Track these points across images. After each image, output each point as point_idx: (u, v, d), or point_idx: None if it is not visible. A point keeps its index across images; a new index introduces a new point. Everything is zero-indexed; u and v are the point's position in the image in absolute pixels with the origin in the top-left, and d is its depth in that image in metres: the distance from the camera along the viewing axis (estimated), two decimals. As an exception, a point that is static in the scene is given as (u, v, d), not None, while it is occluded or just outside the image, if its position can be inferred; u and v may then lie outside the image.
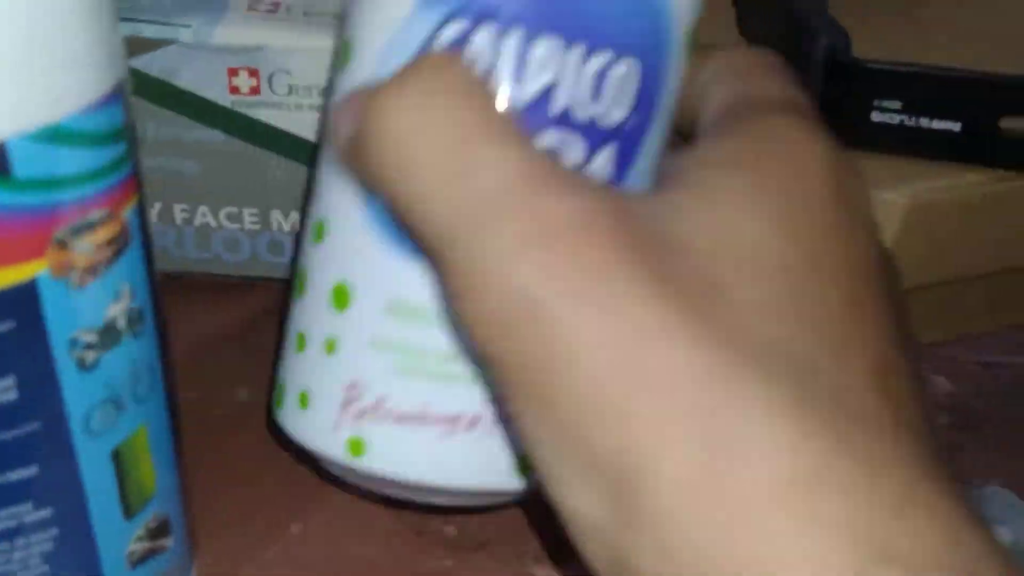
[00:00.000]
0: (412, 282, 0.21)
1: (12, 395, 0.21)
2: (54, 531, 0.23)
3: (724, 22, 0.45)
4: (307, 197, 0.25)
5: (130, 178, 0.22)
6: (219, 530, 0.30)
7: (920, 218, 0.34)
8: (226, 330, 0.39)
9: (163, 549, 0.26)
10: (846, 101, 0.35)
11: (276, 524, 0.31)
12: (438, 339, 0.22)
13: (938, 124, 0.34)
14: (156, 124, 0.37)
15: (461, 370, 0.22)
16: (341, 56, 0.23)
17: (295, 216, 0.39)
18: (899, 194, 0.33)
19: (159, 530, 0.26)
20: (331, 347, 0.23)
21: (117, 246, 0.22)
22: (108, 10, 0.21)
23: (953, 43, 0.40)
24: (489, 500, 0.24)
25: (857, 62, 0.35)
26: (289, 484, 0.32)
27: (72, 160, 0.20)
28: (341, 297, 0.22)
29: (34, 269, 0.20)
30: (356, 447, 0.23)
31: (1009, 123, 0.34)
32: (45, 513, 0.23)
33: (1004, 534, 0.29)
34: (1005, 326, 0.41)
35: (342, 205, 0.22)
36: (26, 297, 0.20)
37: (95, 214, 0.21)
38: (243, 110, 0.36)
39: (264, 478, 0.32)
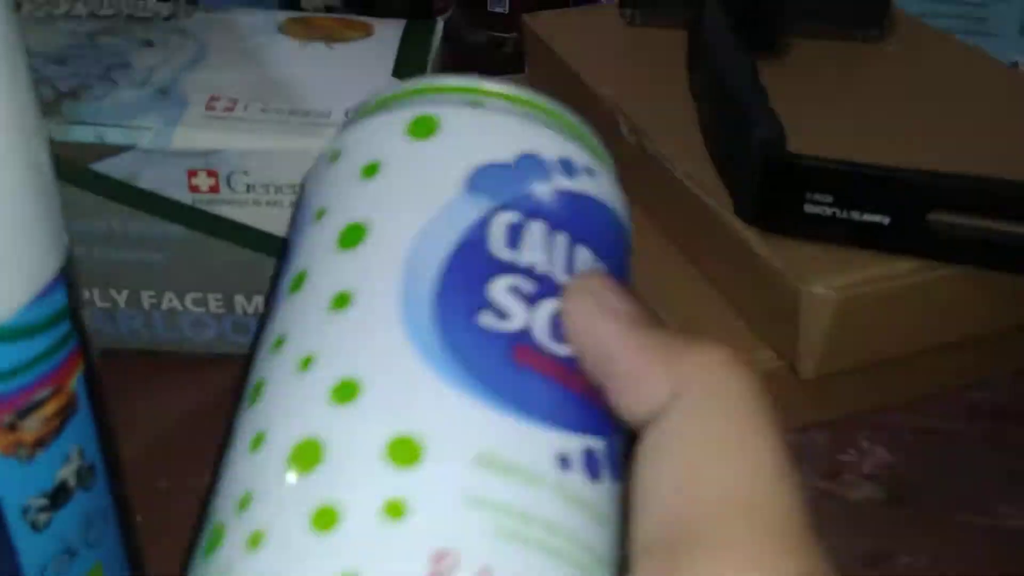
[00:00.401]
0: (507, 435, 0.19)
1: (-31, 562, 0.23)
2: (17, 670, 0.25)
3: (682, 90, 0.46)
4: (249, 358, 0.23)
5: (75, 350, 0.24)
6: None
7: (850, 310, 0.35)
8: (195, 408, 0.41)
9: (124, 667, 0.28)
10: (780, 193, 0.36)
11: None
12: (542, 504, 0.19)
13: (868, 217, 0.36)
14: (121, 220, 0.38)
15: (562, 544, 0.18)
16: (345, 238, 0.21)
17: (258, 299, 0.40)
18: (830, 289, 0.35)
19: (120, 651, 0.28)
20: (397, 511, 0.18)
21: (65, 415, 0.23)
22: (51, 196, 0.23)
23: (886, 137, 0.41)
24: None
25: (790, 157, 0.36)
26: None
27: (18, 352, 0.22)
28: (407, 449, 0.19)
29: (-16, 454, 0.22)
30: None
31: (936, 216, 0.35)
32: (7, 656, 0.24)
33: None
34: (939, 392, 0.42)
35: (393, 358, 0.19)
36: (-22, 478, 0.22)
37: (42, 393, 0.23)
38: (203, 207, 0.38)
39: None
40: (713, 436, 0.18)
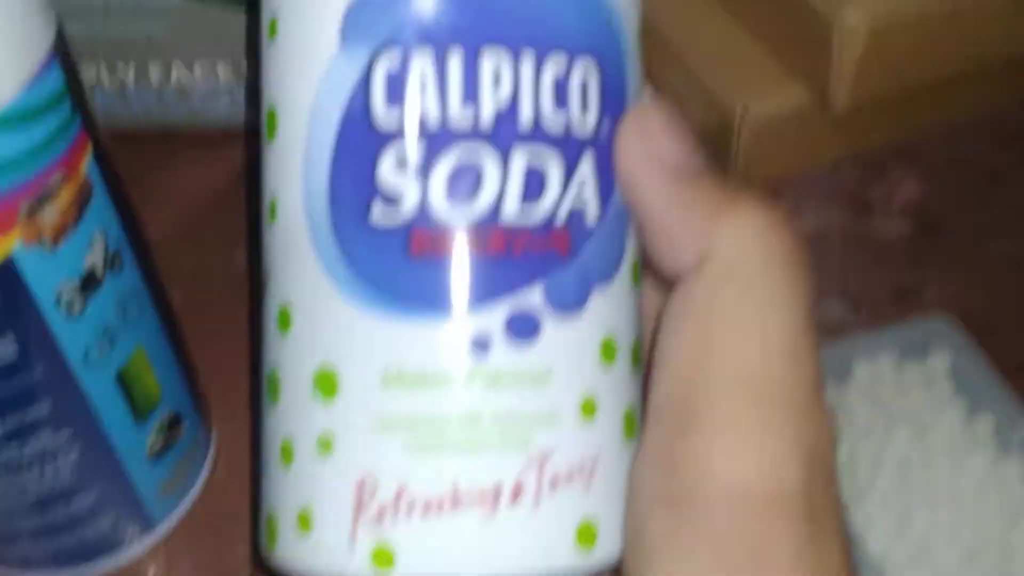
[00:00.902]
0: (409, 345, 0.18)
1: (12, 352, 0.23)
2: (76, 447, 0.26)
3: None
4: (257, 289, 0.21)
5: (80, 132, 0.23)
6: (230, 403, 0.33)
7: (883, 37, 0.34)
8: (215, 186, 0.40)
9: (178, 438, 0.29)
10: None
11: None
12: (453, 402, 0.18)
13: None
14: (113, -7, 0.36)
15: (488, 432, 0.18)
16: (268, 129, 0.20)
17: (266, 69, 0.39)
18: (862, 18, 0.33)
19: (171, 424, 0.29)
20: (326, 445, 0.19)
21: (81, 201, 0.23)
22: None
23: None
24: None
25: None
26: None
27: (20, 139, 0.21)
28: (326, 384, 0.19)
29: (8, 245, 0.22)
30: (382, 558, 0.18)
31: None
32: (64, 435, 0.25)
33: (941, 359, 0.31)
34: (976, 119, 0.41)
35: (304, 279, 0.19)
36: (5, 270, 0.22)
37: (54, 180, 0.22)
38: (197, -28, 0.36)
39: (266, 342, 0.35)
40: (726, 308, 0.18)
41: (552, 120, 0.18)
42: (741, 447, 0.18)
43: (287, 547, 0.20)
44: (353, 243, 0.18)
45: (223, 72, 0.39)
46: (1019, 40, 0.37)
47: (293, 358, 0.19)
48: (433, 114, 0.18)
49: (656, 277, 0.21)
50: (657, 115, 0.20)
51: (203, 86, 0.40)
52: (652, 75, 0.21)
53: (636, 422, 0.20)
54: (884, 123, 0.39)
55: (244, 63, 0.39)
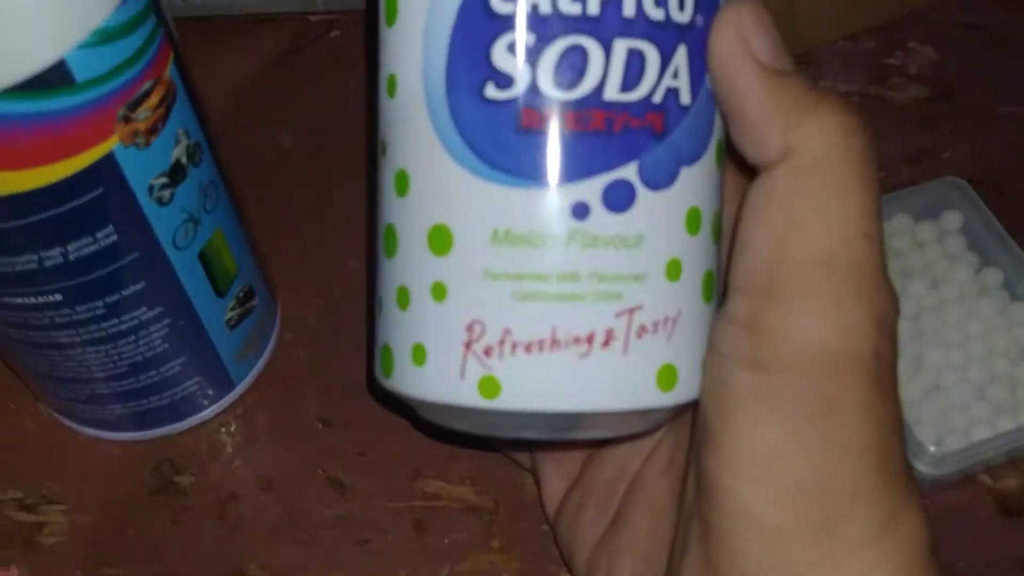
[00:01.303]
0: (516, 209, 0.20)
1: (114, 237, 0.26)
2: (167, 320, 0.29)
3: None
4: (374, 152, 0.24)
5: (164, 41, 0.25)
6: (292, 277, 0.36)
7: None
8: (258, 69, 0.42)
9: (252, 309, 0.32)
10: None
11: (337, 263, 0.36)
12: (554, 260, 0.21)
13: None
14: None
15: (584, 287, 0.21)
16: (388, 14, 0.22)
17: (301, -47, 0.40)
18: None
19: (246, 297, 0.31)
20: (440, 292, 0.21)
21: (168, 102, 0.25)
22: None
23: None
24: (631, 426, 0.23)
25: None
26: (343, 226, 0.37)
27: (117, 50, 0.23)
28: (441, 240, 0.21)
29: (108, 145, 0.24)
30: (489, 388, 0.21)
31: None
32: (157, 310, 0.28)
33: (954, 218, 0.33)
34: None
35: (423, 149, 0.21)
36: (107, 167, 0.24)
37: (145, 85, 0.24)
38: None
39: (322, 221, 0.37)
40: (809, 196, 0.20)
41: (652, 12, 0.20)
42: (821, 315, 0.20)
43: (402, 376, 0.22)
44: (467, 117, 0.20)
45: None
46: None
47: (409, 217, 0.22)
48: (544, 3, 0.20)
49: (737, 163, 0.22)
50: (751, 12, 0.21)
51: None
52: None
53: (714, 285, 0.23)
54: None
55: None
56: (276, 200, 0.38)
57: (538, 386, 0.21)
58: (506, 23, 0.20)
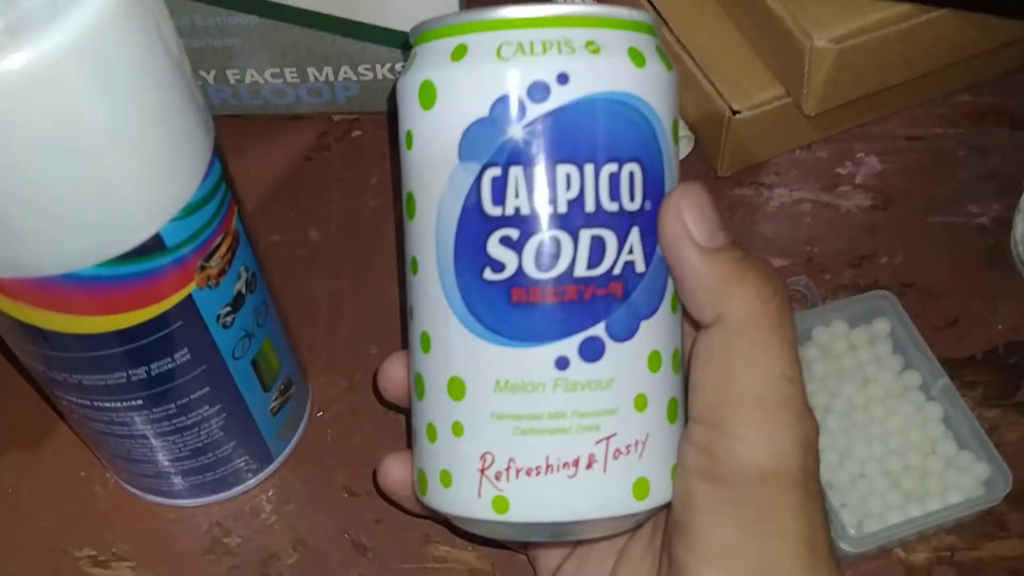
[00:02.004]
0: (512, 364, 0.26)
1: (188, 356, 0.31)
2: (224, 414, 0.35)
3: None
4: (405, 316, 0.30)
5: (231, 200, 0.31)
6: (320, 361, 0.42)
7: (848, 57, 0.41)
8: (289, 164, 0.48)
9: (290, 397, 0.38)
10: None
11: (359, 348, 0.42)
12: (544, 403, 0.26)
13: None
14: (201, 15, 0.43)
15: (569, 423, 0.26)
16: (407, 207, 0.27)
17: (327, 69, 0.46)
18: (831, 42, 0.40)
19: (286, 387, 0.37)
20: (459, 430, 0.27)
21: (233, 248, 0.31)
22: (197, 93, 0.29)
23: None
24: (617, 528, 0.29)
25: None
26: (364, 314, 0.43)
27: (199, 218, 0.29)
28: (456, 388, 0.27)
29: (188, 290, 0.30)
30: (500, 505, 0.27)
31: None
32: (217, 407, 0.34)
33: (883, 325, 0.39)
34: (927, 99, 0.48)
35: (439, 317, 0.27)
36: (186, 306, 0.30)
37: (217, 239, 0.30)
38: (272, -1, 0.43)
39: (344, 311, 0.43)
40: (740, 353, 0.27)
41: (607, 206, 0.25)
42: (758, 443, 0.26)
43: (435, 495, 0.28)
44: (471, 294, 0.26)
45: (288, 76, 0.46)
46: (963, 49, 0.44)
47: (432, 369, 0.28)
48: (524, 208, 0.25)
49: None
50: (689, 200, 0.27)
51: (272, 85, 0.47)
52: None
53: (678, 408, 0.28)
54: (852, 112, 0.46)
55: (307, 69, 0.46)
56: (305, 290, 0.44)
57: (538, 502, 0.27)
58: (497, 223, 0.25)
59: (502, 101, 0.24)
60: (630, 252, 0.26)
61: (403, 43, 0.44)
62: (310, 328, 0.42)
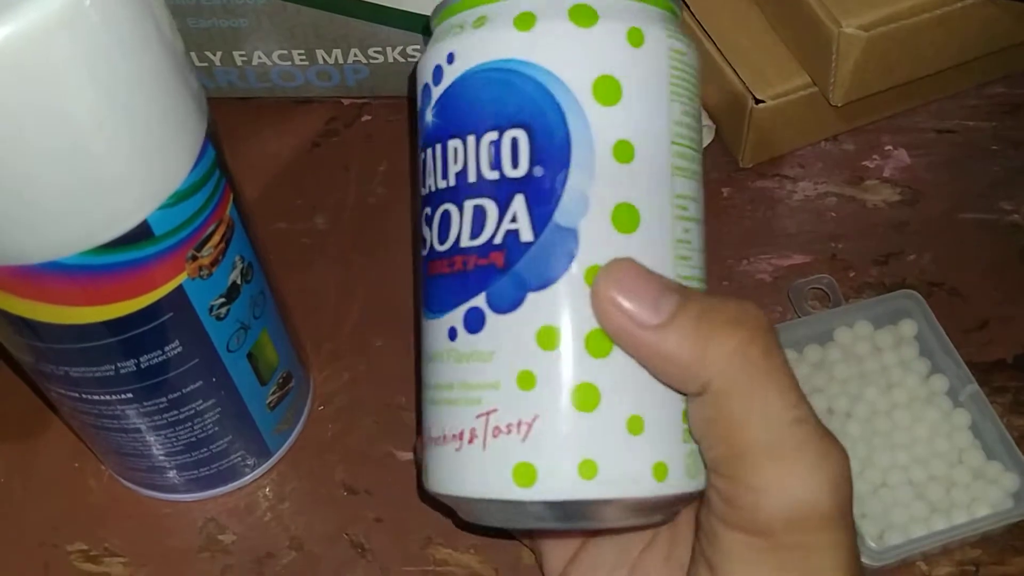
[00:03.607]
0: (428, 335, 0.27)
1: (179, 349, 0.30)
2: (218, 409, 0.33)
3: None
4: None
5: (226, 187, 0.29)
6: (323, 352, 0.40)
7: (877, 45, 0.39)
8: (295, 150, 0.46)
9: (289, 391, 0.37)
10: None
11: (364, 340, 0.41)
12: (440, 373, 0.26)
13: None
14: (206, -7, 0.42)
15: (456, 394, 0.26)
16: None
17: (336, 51, 0.45)
18: (860, 29, 0.38)
19: (285, 381, 0.36)
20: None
21: (228, 237, 0.30)
22: (190, 75, 0.27)
23: None
24: (510, 515, 0.27)
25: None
26: (369, 305, 0.42)
27: (188, 206, 0.28)
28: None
29: (178, 280, 0.28)
30: (424, 474, 0.28)
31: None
32: (211, 401, 0.33)
33: (909, 327, 0.38)
34: (958, 91, 0.46)
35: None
36: (176, 297, 0.29)
37: (209, 228, 0.29)
38: (279, -23, 0.41)
39: (349, 302, 0.42)
40: (739, 412, 0.25)
41: (488, 175, 0.25)
42: (781, 493, 0.24)
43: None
44: (422, 272, 0.27)
45: (297, 58, 0.45)
46: (998, 39, 0.42)
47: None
48: (432, 185, 0.26)
49: None
50: (616, 280, 0.24)
51: (280, 67, 0.45)
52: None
53: (599, 397, 0.25)
54: (880, 103, 0.44)
55: (316, 51, 0.44)
56: (310, 279, 0.42)
57: (437, 474, 0.27)
58: (423, 202, 0.27)
59: (424, 89, 0.26)
60: (513, 220, 0.25)
61: (424, 27, 0.43)
62: (313, 319, 0.41)
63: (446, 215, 0.25)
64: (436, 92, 0.25)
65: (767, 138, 0.43)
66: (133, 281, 0.28)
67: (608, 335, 0.25)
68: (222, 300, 0.31)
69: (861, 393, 0.37)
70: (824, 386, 0.37)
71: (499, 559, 0.36)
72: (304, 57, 0.45)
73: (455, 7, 0.26)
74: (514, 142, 0.24)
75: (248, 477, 0.37)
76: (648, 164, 0.25)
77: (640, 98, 0.25)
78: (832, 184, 0.44)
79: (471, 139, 0.24)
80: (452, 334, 0.26)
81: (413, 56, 0.45)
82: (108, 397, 0.31)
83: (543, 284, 0.25)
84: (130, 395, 0.31)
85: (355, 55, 0.45)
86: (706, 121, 0.44)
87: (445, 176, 0.25)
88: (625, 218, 0.25)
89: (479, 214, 0.25)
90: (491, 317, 0.25)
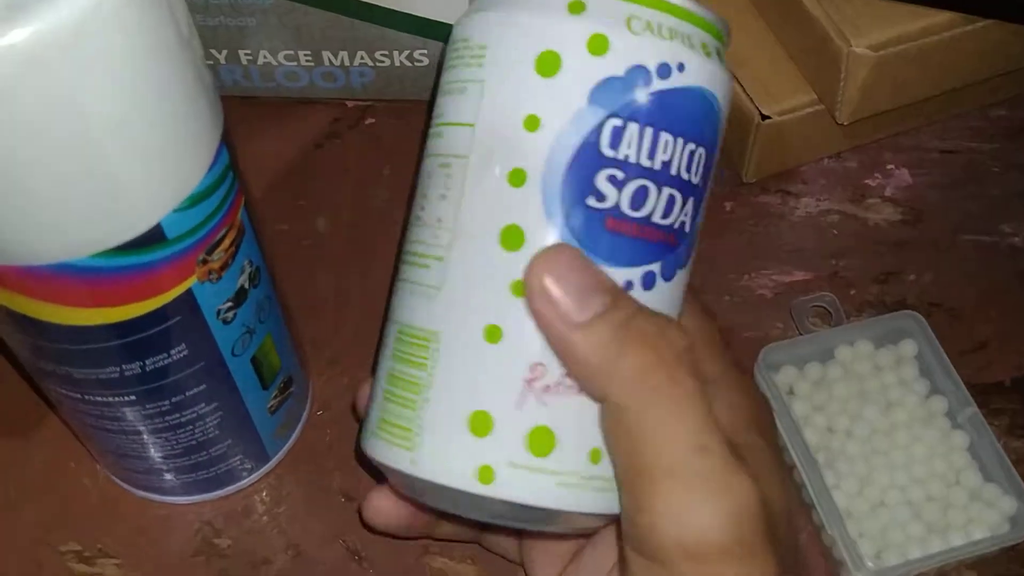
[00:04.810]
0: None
1: (185, 352, 0.30)
2: (220, 412, 0.33)
3: None
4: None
5: (238, 190, 0.29)
6: (323, 357, 0.40)
7: (886, 66, 0.39)
8: (298, 151, 0.46)
9: (289, 395, 0.36)
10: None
11: (363, 345, 0.40)
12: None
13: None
14: (213, -8, 0.42)
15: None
16: (528, 122, 0.28)
17: (343, 53, 0.45)
18: (868, 48, 0.38)
19: (286, 385, 0.36)
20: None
21: (238, 241, 0.30)
22: (207, 78, 0.27)
23: None
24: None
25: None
26: (369, 310, 0.41)
27: (203, 209, 0.27)
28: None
29: (188, 283, 0.28)
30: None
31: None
32: (213, 405, 0.33)
33: (910, 347, 0.38)
34: (962, 112, 0.46)
35: (531, 220, 0.28)
36: (185, 300, 0.29)
37: (221, 232, 0.29)
38: (288, -22, 0.41)
39: (350, 306, 0.42)
40: (639, 431, 0.24)
41: (683, 175, 0.28)
42: (675, 519, 0.24)
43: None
44: (571, 214, 0.27)
45: (303, 58, 0.45)
46: (1005, 62, 0.42)
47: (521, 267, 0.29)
48: (632, 157, 0.27)
49: None
50: (552, 263, 0.25)
51: (285, 67, 0.45)
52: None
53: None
54: (885, 122, 0.44)
55: (322, 52, 0.44)
56: (312, 283, 0.42)
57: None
58: (609, 162, 0.27)
59: (638, 69, 0.27)
60: (685, 215, 0.28)
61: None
62: (314, 323, 0.41)
63: (644, 189, 0.27)
64: (659, 84, 0.28)
65: (772, 154, 0.43)
66: (143, 284, 0.27)
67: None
68: (230, 304, 0.30)
69: (861, 412, 0.37)
70: (824, 404, 0.37)
71: (495, 570, 0.36)
72: (310, 58, 0.45)
73: (700, 21, 0.28)
74: (700, 157, 0.28)
75: (245, 481, 0.37)
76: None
77: None
78: (834, 201, 0.44)
79: (680, 141, 0.28)
80: (627, 287, 0.27)
81: (419, 60, 0.45)
82: (110, 399, 0.31)
83: (685, 264, 0.29)
84: (133, 397, 0.31)
85: (362, 58, 0.45)
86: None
87: (651, 158, 0.27)
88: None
89: (671, 201, 0.28)
90: (660, 282, 0.28)
